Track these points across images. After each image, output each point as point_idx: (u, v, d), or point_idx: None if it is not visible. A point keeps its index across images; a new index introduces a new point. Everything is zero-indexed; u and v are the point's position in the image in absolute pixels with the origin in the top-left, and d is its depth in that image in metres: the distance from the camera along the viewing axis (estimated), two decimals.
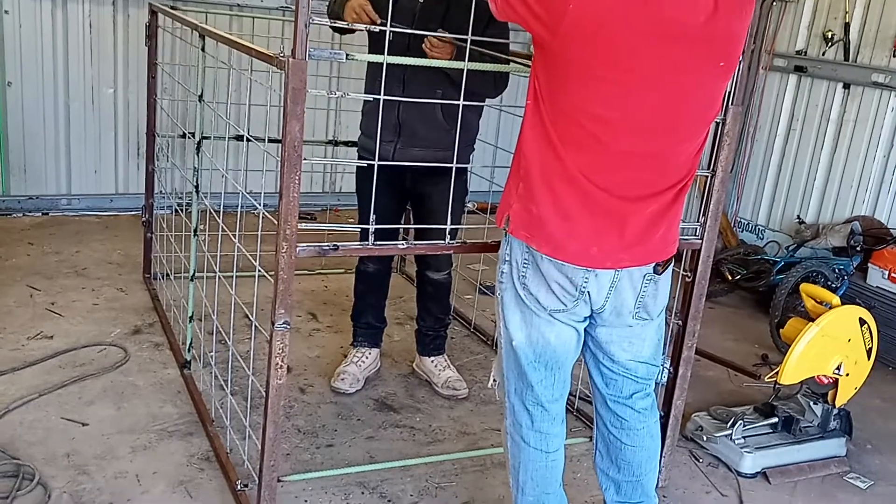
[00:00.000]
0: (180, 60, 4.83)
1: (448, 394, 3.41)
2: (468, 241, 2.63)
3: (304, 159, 2.12)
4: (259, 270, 2.44)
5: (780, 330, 3.24)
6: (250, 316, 2.62)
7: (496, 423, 3.24)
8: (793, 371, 3.01)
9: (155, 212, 4.18)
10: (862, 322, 3.10)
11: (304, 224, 2.18)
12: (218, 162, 3.06)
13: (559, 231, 2.05)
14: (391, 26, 2.30)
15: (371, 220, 2.32)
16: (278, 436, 2.35)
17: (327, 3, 3.04)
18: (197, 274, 3.20)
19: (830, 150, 5.08)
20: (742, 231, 5.57)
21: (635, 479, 2.39)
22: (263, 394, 2.32)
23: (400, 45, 2.81)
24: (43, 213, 5.20)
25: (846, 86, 4.98)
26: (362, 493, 2.74)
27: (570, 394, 2.34)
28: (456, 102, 2.43)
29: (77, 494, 2.58)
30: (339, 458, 2.92)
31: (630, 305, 2.17)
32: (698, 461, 3.15)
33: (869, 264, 4.36)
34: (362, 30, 2.55)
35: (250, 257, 2.51)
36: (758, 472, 3.08)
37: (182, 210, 3.56)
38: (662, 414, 2.73)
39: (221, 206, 2.78)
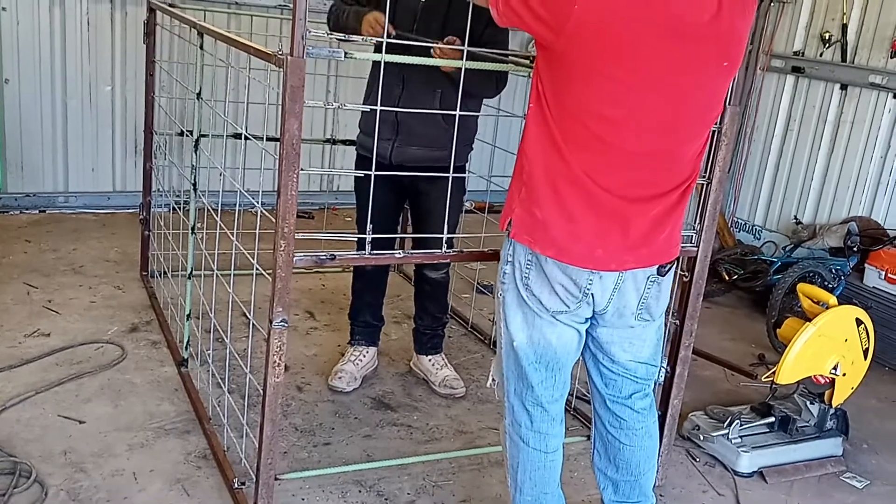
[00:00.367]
0: (178, 58, 4.81)
1: (445, 392, 3.41)
2: (465, 249, 2.63)
3: (302, 170, 2.12)
4: (257, 268, 2.44)
5: (777, 330, 3.25)
6: (248, 314, 2.62)
7: (493, 422, 3.24)
8: (789, 371, 3.02)
9: (152, 209, 4.18)
10: (858, 322, 3.11)
11: (301, 235, 2.19)
12: (216, 160, 3.06)
13: (563, 234, 2.05)
14: (394, 26, 2.30)
15: (368, 229, 2.34)
16: (275, 434, 2.35)
17: (331, 13, 3.04)
18: (194, 272, 3.20)
19: (827, 151, 5.09)
20: (739, 231, 5.58)
21: (633, 479, 2.39)
22: (261, 392, 2.32)
23: (401, 45, 2.80)
24: (40, 211, 5.19)
25: (843, 87, 4.99)
26: (359, 491, 2.74)
27: (568, 393, 2.35)
28: (453, 113, 2.43)
29: (74, 492, 2.57)
30: (337, 456, 2.92)
31: (633, 307, 2.17)
32: (695, 460, 3.15)
33: (865, 265, 4.37)
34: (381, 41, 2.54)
35: (248, 255, 2.51)
36: (754, 472, 3.09)
37: (180, 208, 3.56)
38: (660, 413, 2.73)
39: (219, 204, 2.78)
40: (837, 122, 5.03)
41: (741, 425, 3.17)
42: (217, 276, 2.82)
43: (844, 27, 4.92)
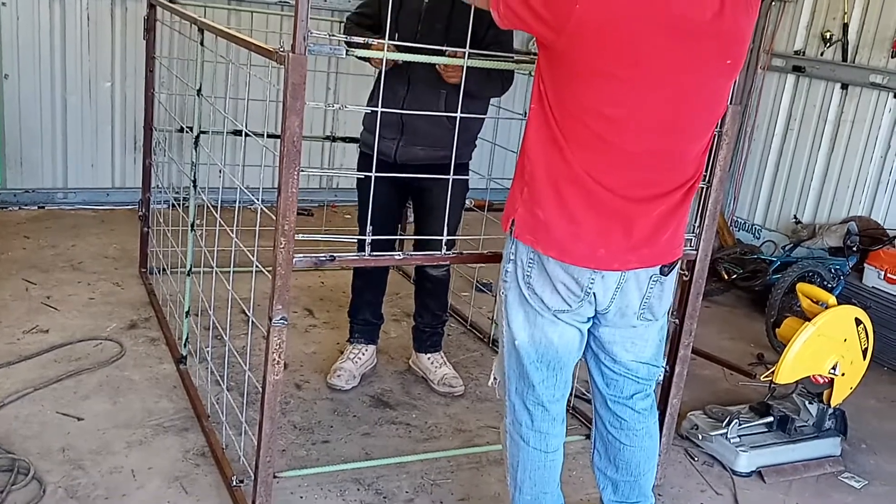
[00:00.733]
0: (178, 54, 4.81)
1: (444, 391, 3.41)
2: (464, 251, 2.62)
3: (302, 170, 2.12)
4: (256, 266, 2.43)
5: (776, 329, 3.25)
6: (247, 312, 2.61)
7: (492, 421, 3.24)
8: (788, 370, 3.02)
9: (152, 206, 4.17)
10: (858, 322, 3.11)
11: (302, 236, 2.19)
12: (216, 157, 3.05)
13: (565, 234, 2.05)
14: (399, 27, 2.30)
15: (368, 231, 2.34)
16: (274, 432, 2.34)
17: (349, 24, 3.09)
18: (194, 269, 3.19)
19: (828, 151, 5.09)
20: (739, 230, 5.58)
21: (633, 479, 2.39)
22: (260, 390, 2.32)
23: (407, 50, 2.81)
24: (39, 207, 5.19)
25: (844, 86, 4.98)
26: (358, 489, 2.74)
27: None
28: (455, 115, 2.44)
29: (72, 489, 2.57)
30: (335, 454, 2.92)
31: (635, 307, 2.17)
32: (694, 460, 3.15)
33: (865, 264, 4.36)
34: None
35: (248, 253, 2.50)
36: (753, 471, 3.09)
37: (179, 205, 3.55)
38: (658, 412, 2.73)
39: (219, 201, 2.77)
40: (838, 121, 5.03)
41: (740, 425, 3.17)
42: (216, 273, 2.82)
43: (845, 26, 4.91)
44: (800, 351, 3.00)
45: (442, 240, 2.51)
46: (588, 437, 2.90)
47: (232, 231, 2.57)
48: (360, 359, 3.45)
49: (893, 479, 3.22)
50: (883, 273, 4.26)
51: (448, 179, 2.48)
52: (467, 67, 2.38)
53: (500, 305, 2.26)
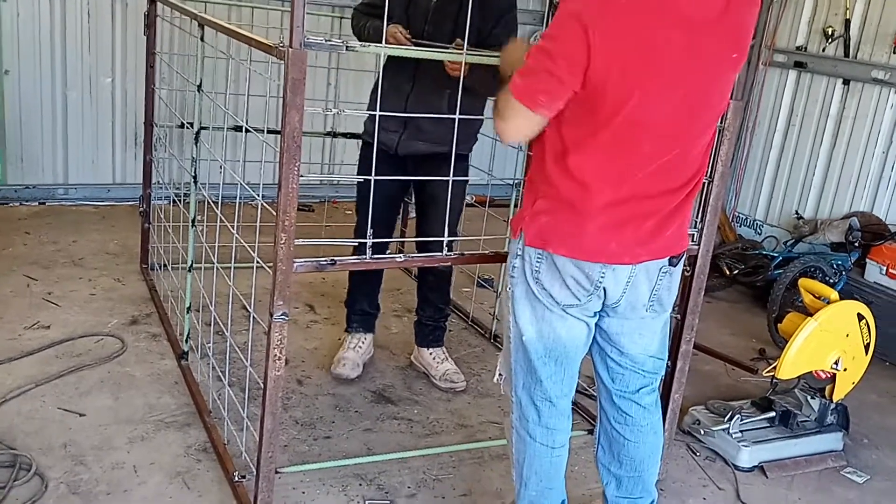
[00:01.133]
0: (179, 50, 4.82)
1: (446, 386, 3.41)
2: (465, 252, 2.62)
3: (303, 176, 2.11)
4: (257, 262, 2.43)
5: (778, 325, 3.25)
6: (248, 307, 2.61)
7: (494, 416, 3.24)
8: (790, 366, 3.02)
9: (153, 202, 4.17)
10: (860, 317, 3.10)
11: (301, 241, 2.19)
12: (216, 152, 3.05)
13: (576, 231, 2.05)
14: (408, 25, 2.31)
15: (369, 234, 2.35)
16: (276, 427, 2.35)
17: (353, 28, 3.11)
18: (195, 265, 3.19)
19: (829, 146, 5.08)
20: (740, 226, 5.57)
21: (637, 475, 2.39)
22: (261, 385, 2.32)
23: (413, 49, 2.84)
24: (40, 203, 5.19)
25: (846, 82, 4.97)
26: (360, 484, 2.74)
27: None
28: (452, 115, 2.45)
29: (74, 485, 2.57)
30: (337, 449, 2.92)
31: (645, 299, 2.17)
32: (696, 455, 3.15)
33: (867, 260, 4.36)
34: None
35: (248, 248, 2.50)
36: (755, 466, 3.09)
37: (180, 200, 3.55)
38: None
39: (220, 197, 2.77)
40: (840, 117, 5.02)
41: (742, 420, 3.16)
42: (217, 268, 2.82)
43: (847, 22, 4.90)
44: (802, 346, 3.00)
45: (445, 226, 2.52)
46: (590, 432, 2.91)
47: (233, 227, 2.57)
48: (360, 347, 3.48)
49: (895, 474, 3.22)
50: (885, 268, 4.26)
51: (448, 171, 2.50)
52: (472, 66, 2.38)
53: (505, 301, 2.25)
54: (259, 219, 2.39)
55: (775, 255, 4.84)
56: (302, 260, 2.22)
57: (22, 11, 4.88)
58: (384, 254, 2.95)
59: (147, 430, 2.90)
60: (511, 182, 3.53)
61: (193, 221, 3.13)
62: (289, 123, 2.06)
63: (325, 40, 2.17)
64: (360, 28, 3.08)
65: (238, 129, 3.47)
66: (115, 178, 5.37)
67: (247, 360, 2.65)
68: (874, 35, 4.81)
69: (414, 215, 3.66)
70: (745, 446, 3.09)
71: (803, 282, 3.29)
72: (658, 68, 1.90)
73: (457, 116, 2.41)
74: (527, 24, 6.26)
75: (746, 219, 5.57)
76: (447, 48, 2.75)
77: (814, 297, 3.14)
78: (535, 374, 2.22)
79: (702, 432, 3.20)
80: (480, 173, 3.47)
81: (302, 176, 2.12)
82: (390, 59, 2.88)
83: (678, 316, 2.74)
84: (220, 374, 2.95)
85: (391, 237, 3.46)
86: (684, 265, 2.68)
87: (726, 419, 3.15)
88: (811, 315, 3.03)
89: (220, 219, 2.75)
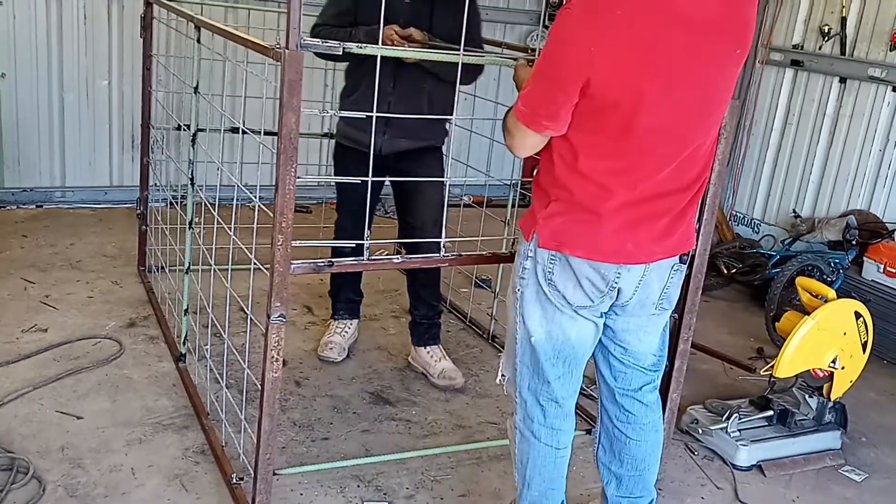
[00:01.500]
0: (175, 52, 4.81)
1: (444, 384, 3.41)
2: (463, 252, 2.63)
3: (299, 177, 2.11)
4: (254, 263, 2.43)
5: (776, 323, 3.25)
6: (246, 309, 2.61)
7: (492, 417, 3.24)
8: (788, 364, 3.02)
9: (150, 204, 4.16)
10: (857, 315, 3.10)
11: (298, 243, 2.20)
12: (213, 154, 3.05)
13: (592, 233, 2.05)
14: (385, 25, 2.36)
15: (366, 236, 2.38)
16: (274, 429, 2.34)
17: (322, 36, 3.09)
18: (192, 267, 3.19)
19: (826, 145, 5.08)
20: (738, 225, 5.58)
21: (637, 474, 2.39)
22: (259, 387, 2.32)
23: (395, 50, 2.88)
24: (37, 206, 5.18)
25: (842, 80, 4.97)
26: (358, 486, 2.73)
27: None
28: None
29: (72, 488, 2.57)
30: (335, 451, 2.92)
31: (655, 297, 2.19)
32: (694, 454, 3.15)
33: (864, 258, 4.37)
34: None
35: (246, 250, 2.50)
36: (753, 465, 3.09)
37: (177, 203, 3.55)
38: None
39: (217, 199, 2.77)
40: (836, 115, 5.02)
41: (740, 419, 3.17)
42: (215, 271, 2.82)
43: (844, 20, 4.91)
44: (799, 345, 3.00)
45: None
46: (588, 432, 2.91)
47: (230, 229, 2.56)
48: (346, 332, 3.61)
49: (893, 472, 3.22)
50: (882, 266, 4.26)
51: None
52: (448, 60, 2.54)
53: (513, 303, 2.24)
54: (256, 221, 2.39)
55: (773, 253, 4.84)
56: (299, 262, 2.22)
57: (18, 14, 4.87)
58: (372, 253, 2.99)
59: (145, 432, 2.90)
60: (509, 182, 3.53)
61: (191, 223, 3.13)
62: (285, 125, 2.06)
63: (323, 42, 2.18)
64: (342, 39, 3.07)
65: (235, 130, 3.46)
66: (112, 180, 5.37)
67: (244, 362, 2.64)
68: (870, 33, 4.81)
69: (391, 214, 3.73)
70: (744, 445, 3.09)
71: (801, 280, 3.29)
72: (660, 70, 1.91)
73: (454, 118, 2.43)
74: (524, 25, 6.27)
75: (744, 217, 5.57)
76: (439, 47, 2.80)
77: (811, 295, 3.14)
78: (542, 375, 2.22)
79: (700, 431, 3.20)
80: (478, 174, 3.47)
81: (299, 177, 2.12)
82: (367, 60, 2.86)
83: (675, 315, 2.73)
84: (217, 376, 2.94)
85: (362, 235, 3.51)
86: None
87: (724, 418, 3.15)
88: (809, 314, 3.03)
89: (218, 221, 2.75)
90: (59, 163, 5.21)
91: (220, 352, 3.05)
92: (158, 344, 3.55)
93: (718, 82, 2.02)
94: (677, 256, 2.17)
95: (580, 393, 3.19)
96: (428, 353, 3.51)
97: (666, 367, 2.72)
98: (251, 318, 2.58)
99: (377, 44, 2.40)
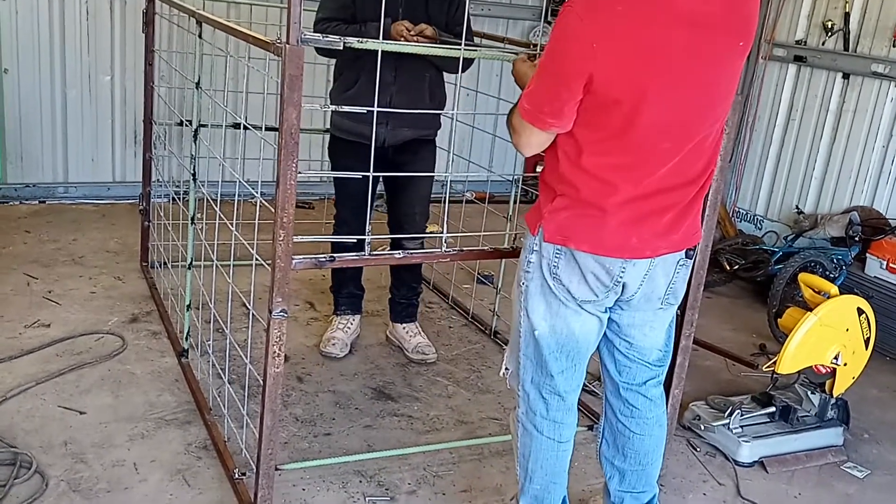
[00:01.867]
0: (177, 47, 4.81)
1: (418, 358, 3.53)
2: (464, 248, 2.63)
3: (301, 173, 2.11)
4: (256, 259, 2.43)
5: (778, 320, 3.24)
6: (248, 304, 2.61)
7: (494, 412, 3.25)
8: (790, 361, 3.01)
9: (152, 200, 4.17)
10: (860, 312, 3.10)
11: (300, 238, 2.20)
12: (215, 150, 3.05)
13: (598, 228, 2.06)
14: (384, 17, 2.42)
15: (367, 231, 2.39)
16: (276, 424, 2.35)
17: (343, 33, 3.12)
18: (194, 262, 3.19)
19: (829, 140, 5.07)
20: (740, 221, 5.57)
21: (641, 469, 2.40)
22: (261, 382, 2.32)
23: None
24: (40, 201, 5.19)
25: (846, 76, 4.96)
26: (360, 481, 2.74)
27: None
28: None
29: (75, 482, 2.57)
30: (337, 446, 2.92)
31: (661, 292, 2.19)
32: (696, 450, 3.15)
33: (867, 254, 4.36)
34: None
35: (248, 246, 2.50)
36: (755, 461, 3.09)
37: (179, 198, 3.55)
38: None
39: (219, 195, 2.77)
40: (839, 111, 5.01)
41: (742, 415, 3.16)
42: (217, 266, 2.82)
43: (847, 16, 4.89)
44: (802, 341, 3.00)
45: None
46: (590, 428, 2.91)
47: (232, 224, 2.56)
48: (349, 328, 3.62)
49: (895, 469, 3.22)
50: (885, 263, 4.25)
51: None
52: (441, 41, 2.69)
53: (517, 296, 2.24)
54: (258, 216, 2.39)
55: (775, 249, 4.83)
56: (301, 257, 2.22)
57: (21, 9, 4.87)
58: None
59: (147, 427, 2.90)
60: (511, 178, 3.53)
61: (193, 219, 3.13)
62: (287, 120, 2.06)
63: (323, 37, 2.18)
64: (352, 34, 3.06)
65: (237, 126, 3.46)
66: (114, 176, 5.37)
67: (247, 358, 2.65)
68: (874, 28, 4.80)
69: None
70: (746, 441, 3.09)
71: (803, 276, 3.28)
72: (662, 67, 1.91)
73: (455, 112, 2.43)
74: (527, 20, 6.26)
75: (746, 214, 5.56)
76: (443, 41, 2.83)
77: (814, 291, 3.13)
78: (545, 368, 2.23)
79: (702, 427, 3.20)
80: (481, 170, 3.47)
81: (300, 173, 2.12)
82: (367, 54, 2.85)
83: (678, 311, 2.73)
84: (220, 371, 2.95)
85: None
86: None
87: (726, 414, 3.15)
88: (811, 310, 3.03)
89: (220, 216, 2.75)
90: (62, 158, 5.21)
91: (223, 347, 3.06)
92: (161, 339, 3.55)
93: (721, 77, 2.02)
94: (683, 251, 2.18)
95: (583, 389, 3.23)
96: (404, 328, 3.64)
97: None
98: (253, 314, 2.58)
99: (389, 39, 2.43)
